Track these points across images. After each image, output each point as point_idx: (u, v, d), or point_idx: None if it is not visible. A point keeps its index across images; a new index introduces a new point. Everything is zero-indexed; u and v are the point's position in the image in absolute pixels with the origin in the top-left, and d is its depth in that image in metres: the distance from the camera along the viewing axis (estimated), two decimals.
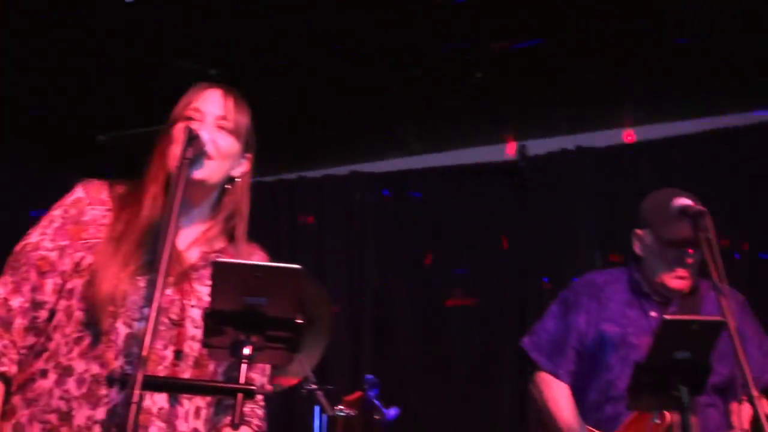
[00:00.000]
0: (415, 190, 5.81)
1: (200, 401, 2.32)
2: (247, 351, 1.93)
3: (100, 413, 2.21)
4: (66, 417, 2.22)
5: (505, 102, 5.21)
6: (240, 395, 1.90)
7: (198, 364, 2.31)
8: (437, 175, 5.79)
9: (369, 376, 2.04)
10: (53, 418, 2.23)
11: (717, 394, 3.39)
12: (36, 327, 2.30)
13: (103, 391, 2.21)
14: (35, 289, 2.31)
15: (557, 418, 3.54)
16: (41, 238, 2.34)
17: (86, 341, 2.25)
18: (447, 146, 5.83)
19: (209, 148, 2.32)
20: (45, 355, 2.28)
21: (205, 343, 1.98)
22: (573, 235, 5.31)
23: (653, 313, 3.50)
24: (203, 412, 2.37)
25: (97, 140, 5.21)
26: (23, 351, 2.29)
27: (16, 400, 2.28)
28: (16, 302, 2.30)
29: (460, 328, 5.50)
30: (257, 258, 2.57)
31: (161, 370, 2.26)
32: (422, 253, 5.69)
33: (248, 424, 2.46)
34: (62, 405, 2.22)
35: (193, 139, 2.22)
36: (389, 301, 5.69)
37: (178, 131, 2.34)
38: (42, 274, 2.31)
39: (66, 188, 2.46)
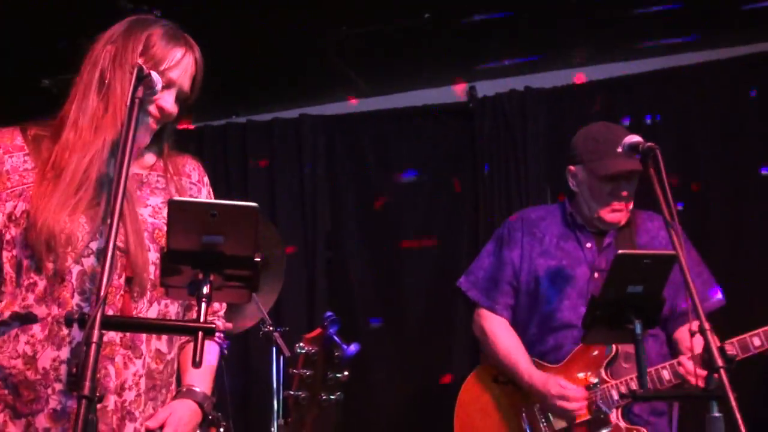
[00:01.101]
0: (365, 132, 5.78)
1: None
2: (205, 290, 1.92)
3: (65, 353, 2.24)
4: (31, 360, 2.23)
5: (453, 43, 5.18)
6: (200, 333, 1.89)
7: (154, 287, 2.33)
8: (387, 117, 5.76)
9: (328, 314, 2.04)
10: (19, 363, 2.25)
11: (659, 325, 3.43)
12: None
13: (65, 331, 2.22)
14: None
15: (497, 350, 3.62)
16: None
17: (40, 285, 2.26)
18: (397, 89, 5.80)
19: (161, 83, 2.26)
20: (1, 307, 2.28)
21: (162, 283, 1.98)
22: (524, 174, 5.33)
23: (589, 245, 3.57)
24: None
25: (42, 84, 5.11)
26: None
27: None
28: None
29: (414, 268, 5.53)
30: (191, 166, 2.58)
31: (117, 300, 2.28)
32: (374, 195, 5.69)
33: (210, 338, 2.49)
34: (28, 349, 2.24)
35: (143, 78, 2.18)
36: (342, 242, 5.70)
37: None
38: None
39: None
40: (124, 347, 2.30)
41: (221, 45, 4.94)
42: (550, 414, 3.45)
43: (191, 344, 2.40)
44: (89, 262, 2.26)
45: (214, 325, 1.91)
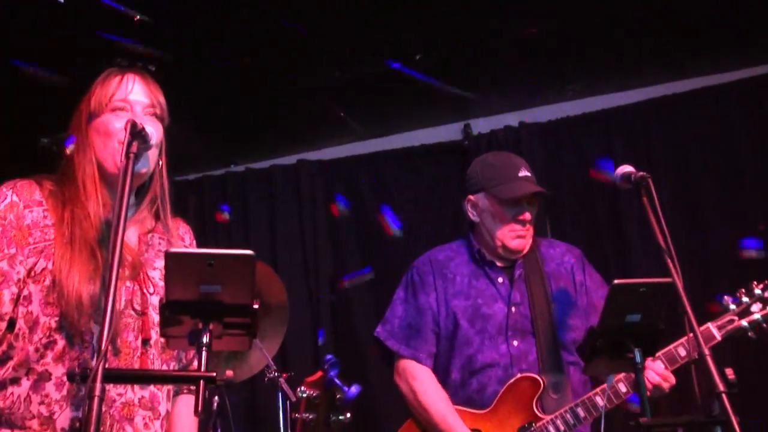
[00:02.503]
0: (363, 174, 5.81)
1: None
2: (205, 339, 1.94)
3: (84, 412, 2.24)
4: (48, 421, 2.23)
5: (446, 82, 5.23)
6: (202, 382, 1.91)
7: (164, 348, 2.36)
8: (384, 158, 5.81)
9: (329, 356, 2.07)
10: (34, 423, 2.23)
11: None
12: None
13: (84, 391, 2.22)
14: None
15: (429, 412, 3.44)
16: None
17: (60, 345, 2.26)
18: (393, 130, 5.85)
19: (155, 138, 2.32)
20: (10, 363, 2.27)
21: (163, 333, 2.00)
22: None
23: (500, 279, 3.52)
24: (171, 393, 2.44)
25: (40, 143, 5.15)
26: None
27: None
28: None
29: None
30: (183, 230, 2.62)
31: (135, 361, 2.30)
32: (374, 236, 5.71)
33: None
34: (43, 410, 2.23)
35: (137, 133, 2.21)
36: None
37: (108, 123, 2.35)
38: None
39: None
40: (144, 408, 2.32)
41: (216, 95, 5.02)
42: None
43: (179, 397, 2.50)
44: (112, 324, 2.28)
45: (214, 374, 1.93)
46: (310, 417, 2.05)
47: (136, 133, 2.20)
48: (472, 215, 3.57)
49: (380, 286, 5.61)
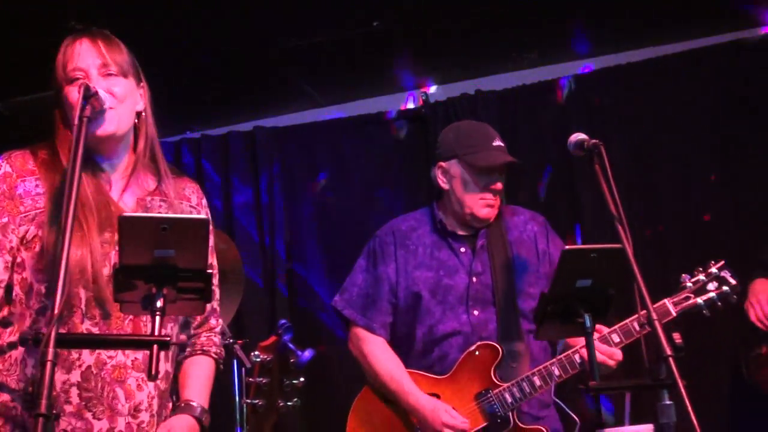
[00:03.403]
0: (320, 142, 5.80)
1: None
2: (159, 303, 1.95)
3: (75, 376, 2.31)
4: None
5: (404, 50, 5.23)
6: (155, 347, 1.92)
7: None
8: (341, 126, 5.80)
9: (282, 321, 2.08)
10: (27, 385, 2.31)
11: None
12: None
13: (75, 354, 2.27)
14: None
15: (378, 373, 3.51)
16: None
17: (50, 310, 2.29)
18: (350, 98, 5.84)
19: (108, 101, 2.33)
20: (11, 329, 2.36)
21: (116, 299, 2.00)
22: None
23: (462, 249, 3.56)
24: (170, 354, 2.48)
25: None
26: None
27: None
28: None
29: None
30: (190, 190, 2.64)
31: (126, 325, 2.35)
32: (330, 204, 5.72)
33: (206, 353, 2.61)
34: (37, 373, 2.25)
35: (90, 96, 2.22)
36: (300, 252, 5.71)
37: (68, 96, 2.37)
38: None
39: None
40: (137, 370, 2.36)
41: (174, 60, 4.97)
42: None
43: (189, 359, 2.56)
44: (100, 288, 2.32)
45: (168, 338, 1.94)
46: (264, 381, 2.07)
47: (89, 97, 2.21)
48: (442, 182, 3.59)
49: (335, 254, 5.64)
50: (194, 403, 2.51)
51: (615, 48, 5.35)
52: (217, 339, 2.65)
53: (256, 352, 2.05)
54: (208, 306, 2.59)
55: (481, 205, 3.51)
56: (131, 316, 2.34)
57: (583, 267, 2.57)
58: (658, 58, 5.25)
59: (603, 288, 2.59)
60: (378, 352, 3.55)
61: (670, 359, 2.40)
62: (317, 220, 5.73)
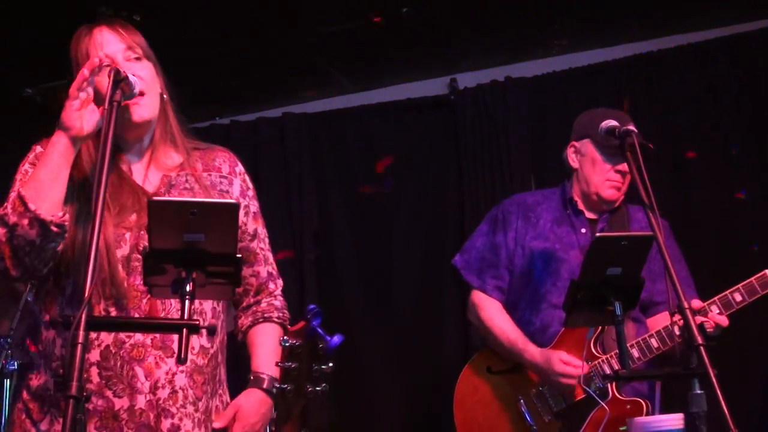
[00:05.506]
0: (348, 128, 5.80)
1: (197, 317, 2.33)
2: (188, 287, 1.95)
3: (94, 355, 2.33)
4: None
5: (433, 36, 5.21)
6: (185, 330, 1.92)
7: None
8: (370, 112, 5.79)
9: (311, 306, 2.07)
10: (58, 365, 2.37)
11: (639, 310, 3.54)
12: None
13: (93, 334, 2.29)
14: None
15: (494, 332, 3.66)
16: None
17: (68, 290, 2.38)
18: (379, 84, 5.83)
19: (138, 85, 2.33)
20: (42, 308, 2.44)
21: (146, 282, 2.00)
22: (507, 164, 5.36)
23: (583, 230, 3.63)
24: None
25: (24, 93, 5.11)
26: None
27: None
28: None
29: (401, 261, 5.56)
30: (221, 160, 2.68)
31: (144, 304, 2.36)
32: (360, 191, 5.71)
33: (269, 320, 2.65)
34: (66, 354, 2.28)
35: (120, 81, 2.22)
36: (329, 239, 5.72)
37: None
38: None
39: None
40: (155, 348, 2.37)
41: (203, 47, 4.98)
42: (548, 397, 3.48)
43: (253, 329, 2.60)
44: (113, 269, 2.34)
45: (197, 322, 1.94)
46: (293, 366, 2.06)
47: (119, 81, 2.21)
48: (573, 161, 3.70)
49: (364, 241, 5.64)
50: (264, 375, 2.53)
51: (647, 34, 5.30)
52: (278, 302, 2.68)
53: (285, 337, 2.05)
54: (263, 271, 2.66)
55: (607, 186, 3.59)
56: (147, 297, 2.34)
57: (613, 255, 2.56)
58: (689, 45, 5.20)
59: (633, 276, 2.58)
60: (493, 313, 3.70)
61: (701, 348, 2.39)
62: (346, 206, 5.73)
